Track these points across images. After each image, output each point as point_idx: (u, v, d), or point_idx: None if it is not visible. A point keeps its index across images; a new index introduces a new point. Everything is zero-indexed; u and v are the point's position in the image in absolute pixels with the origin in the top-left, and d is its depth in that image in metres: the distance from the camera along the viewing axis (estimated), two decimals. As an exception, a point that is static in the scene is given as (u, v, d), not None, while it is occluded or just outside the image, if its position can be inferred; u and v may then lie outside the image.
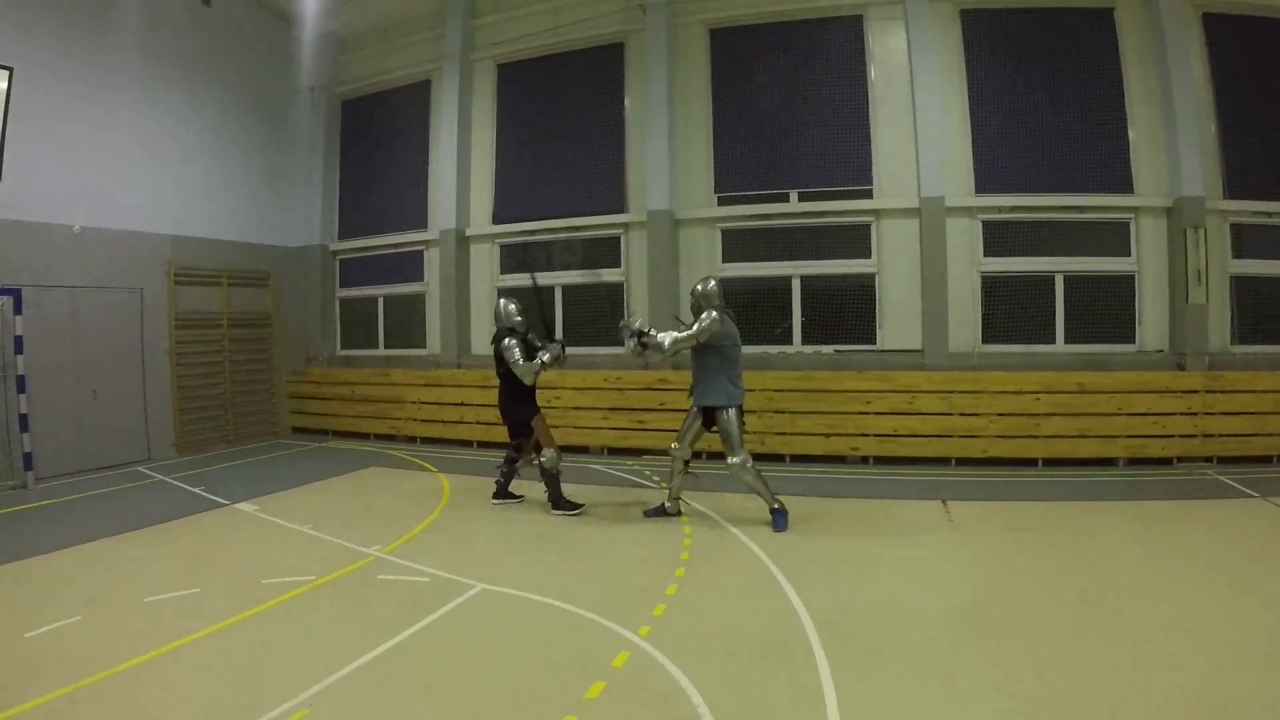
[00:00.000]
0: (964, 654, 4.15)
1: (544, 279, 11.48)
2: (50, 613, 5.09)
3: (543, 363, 7.41)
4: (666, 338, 6.84)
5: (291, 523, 7.45)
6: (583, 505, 7.57)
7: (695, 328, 6.78)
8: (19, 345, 9.15)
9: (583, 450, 10.46)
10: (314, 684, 3.99)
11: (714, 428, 7.00)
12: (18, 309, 9.13)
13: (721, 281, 7.15)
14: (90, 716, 3.75)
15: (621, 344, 7.10)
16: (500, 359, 7.49)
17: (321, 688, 3.96)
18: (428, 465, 10.20)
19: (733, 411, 6.84)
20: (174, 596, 5.40)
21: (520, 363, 7.32)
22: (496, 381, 7.76)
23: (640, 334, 6.89)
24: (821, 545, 6.29)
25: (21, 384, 9.19)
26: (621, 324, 7.07)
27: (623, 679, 3.97)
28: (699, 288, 7.06)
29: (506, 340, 7.42)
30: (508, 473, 7.97)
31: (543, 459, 7.53)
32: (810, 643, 4.33)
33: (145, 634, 4.73)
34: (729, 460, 6.85)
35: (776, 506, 6.82)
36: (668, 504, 7.34)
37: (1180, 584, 5.17)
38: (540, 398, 7.75)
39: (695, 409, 7.09)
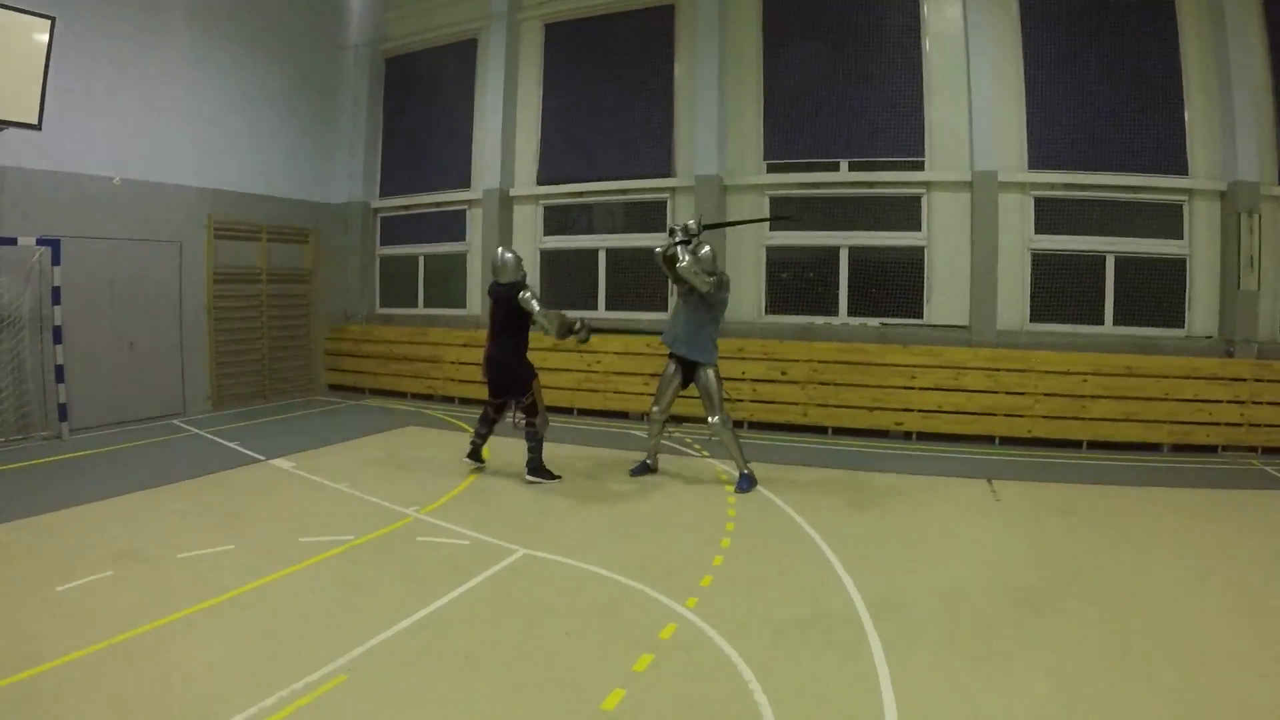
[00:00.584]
0: (1017, 637, 4.11)
1: (586, 242, 11.51)
2: (82, 567, 5.02)
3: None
4: (691, 260, 6.99)
5: (329, 480, 7.41)
6: (560, 476, 7.46)
7: (716, 276, 7.14)
8: (56, 296, 9.20)
9: (622, 416, 10.52)
10: (353, 647, 3.93)
11: (689, 385, 7.37)
12: (56, 260, 9.15)
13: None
14: (122, 675, 3.68)
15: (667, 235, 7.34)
16: (509, 311, 7.28)
17: (361, 651, 3.90)
18: (466, 426, 10.14)
19: (712, 371, 7.20)
20: (209, 553, 5.35)
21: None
22: (532, 344, 7.51)
23: (687, 239, 7.11)
24: (867, 520, 6.27)
25: (58, 334, 9.24)
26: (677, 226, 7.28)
27: (671, 651, 3.91)
28: (706, 250, 7.27)
29: (524, 293, 7.20)
30: (484, 434, 7.82)
31: (535, 422, 7.40)
32: (861, 619, 4.29)
33: (179, 591, 4.68)
34: (709, 419, 7.20)
35: (746, 471, 7.14)
36: (649, 460, 7.75)
37: (1234, 575, 5.11)
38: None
39: (673, 369, 7.40)
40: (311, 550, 5.41)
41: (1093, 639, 4.06)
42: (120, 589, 4.69)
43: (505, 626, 4.24)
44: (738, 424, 9.78)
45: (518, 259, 7.51)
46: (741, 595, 4.69)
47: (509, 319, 7.31)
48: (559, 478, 7.44)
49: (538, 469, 7.42)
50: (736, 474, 7.25)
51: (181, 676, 3.67)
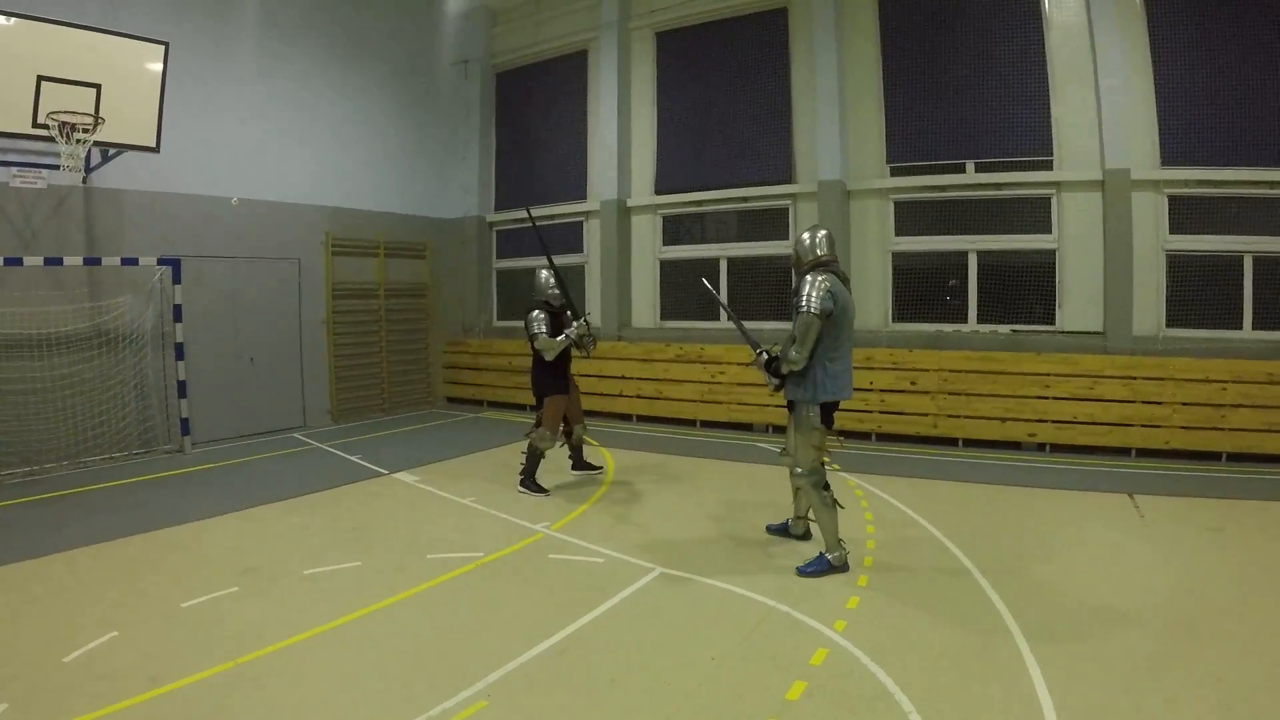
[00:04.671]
0: (1180, 665, 3.90)
1: (707, 251, 11.65)
2: (207, 583, 5.03)
3: (568, 337, 7.34)
4: (790, 351, 5.40)
5: (453, 495, 7.45)
6: (549, 491, 7.49)
7: (805, 309, 5.27)
8: (178, 314, 9.56)
9: (746, 428, 10.70)
10: (491, 671, 3.82)
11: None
12: (176, 278, 9.51)
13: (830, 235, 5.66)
14: (249, 699, 3.60)
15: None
16: (528, 332, 7.49)
17: (499, 676, 3.79)
18: (588, 439, 10.23)
19: (815, 411, 5.45)
20: (335, 569, 5.34)
21: (541, 335, 7.32)
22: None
23: (769, 362, 5.68)
24: (1010, 538, 6.09)
25: (180, 351, 9.59)
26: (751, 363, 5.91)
27: (824, 679, 3.77)
28: (805, 237, 5.61)
29: (534, 313, 7.41)
30: (574, 444, 8.13)
31: (533, 435, 7.49)
32: (1018, 644, 4.14)
33: (306, 609, 4.62)
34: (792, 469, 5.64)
35: (830, 556, 5.39)
36: (790, 523, 6.23)
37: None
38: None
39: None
40: (441, 567, 5.39)
41: (1259, 670, 3.84)
42: (246, 606, 4.69)
43: (648, 650, 4.13)
44: (861, 436, 9.97)
45: (546, 280, 7.67)
46: (891, 618, 4.54)
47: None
48: (547, 492, 7.46)
49: (525, 481, 7.53)
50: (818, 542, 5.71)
51: (312, 701, 3.61)
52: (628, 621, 4.55)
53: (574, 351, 7.62)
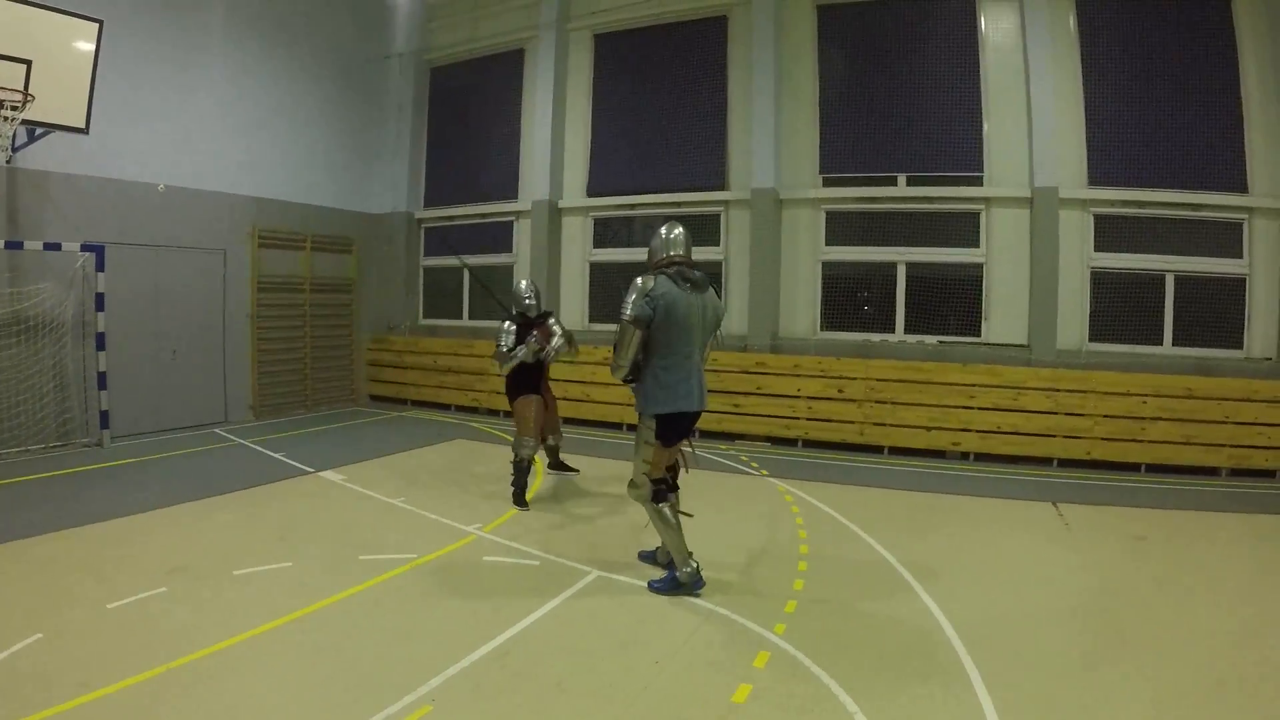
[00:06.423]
0: (1115, 667, 3.99)
1: (636, 255, 11.48)
2: (134, 582, 4.85)
3: (518, 356, 7.08)
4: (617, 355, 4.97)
5: (381, 495, 7.29)
6: (527, 506, 7.00)
7: (621, 315, 4.89)
8: (100, 303, 9.20)
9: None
10: (433, 675, 3.75)
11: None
12: (100, 266, 9.17)
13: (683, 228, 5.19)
14: (183, 705, 3.43)
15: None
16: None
17: (441, 680, 3.71)
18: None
19: (650, 424, 4.98)
20: (266, 570, 5.19)
21: (499, 348, 7.17)
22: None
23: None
24: (940, 543, 6.14)
25: (101, 341, 9.24)
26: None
27: (770, 681, 3.78)
28: (661, 233, 5.16)
29: (505, 324, 7.25)
30: (552, 445, 8.00)
31: (514, 444, 7.19)
32: (954, 647, 4.17)
33: (238, 610, 4.49)
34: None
35: (681, 574, 4.93)
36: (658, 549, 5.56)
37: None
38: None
39: None
40: (375, 569, 5.27)
41: (1187, 669, 3.97)
42: (175, 607, 4.53)
43: (592, 654, 4.08)
44: (788, 442, 9.91)
45: (522, 290, 7.48)
46: (829, 621, 4.57)
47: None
48: (526, 507, 6.98)
49: (518, 497, 7.06)
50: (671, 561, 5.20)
51: (250, 706, 3.46)
52: (568, 625, 4.49)
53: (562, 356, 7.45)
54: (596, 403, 11.07)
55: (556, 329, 7.34)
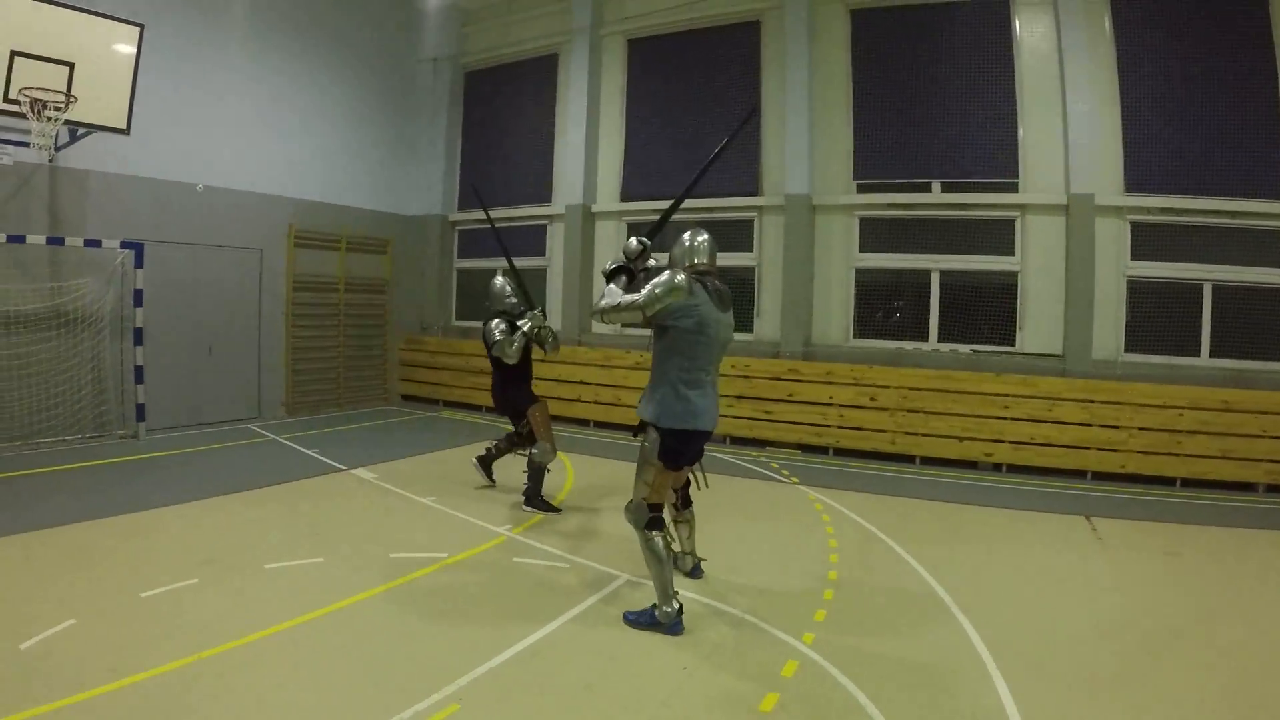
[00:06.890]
0: (1143, 683, 3.95)
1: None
2: (166, 572, 4.91)
3: (524, 333, 6.85)
4: (612, 297, 4.66)
5: (414, 494, 7.34)
6: (560, 509, 6.98)
7: (643, 291, 4.49)
8: (138, 298, 9.47)
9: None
10: (461, 674, 3.75)
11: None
12: (139, 263, 9.42)
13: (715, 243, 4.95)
14: (214, 695, 3.47)
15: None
16: (486, 343, 7.13)
17: (469, 680, 3.71)
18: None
19: (655, 438, 4.60)
20: (297, 564, 5.23)
21: (498, 339, 6.91)
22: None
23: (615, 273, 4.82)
24: (971, 555, 6.09)
25: (139, 336, 9.51)
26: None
27: (797, 690, 3.75)
28: (685, 239, 4.88)
29: (494, 321, 7.07)
30: (502, 449, 7.63)
31: (534, 451, 7.02)
32: (983, 660, 4.14)
33: (269, 604, 4.52)
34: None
35: (660, 613, 4.49)
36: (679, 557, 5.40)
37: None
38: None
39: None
40: (404, 567, 5.29)
41: (1216, 687, 3.93)
42: (207, 599, 4.58)
43: (620, 657, 4.08)
44: (819, 450, 9.90)
45: (501, 287, 7.32)
46: (858, 632, 4.54)
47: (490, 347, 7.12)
48: (559, 510, 6.97)
49: (532, 499, 7.04)
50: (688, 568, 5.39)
51: (277, 699, 3.48)
52: (597, 628, 4.48)
53: (533, 355, 7.33)
54: (628, 407, 11.07)
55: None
